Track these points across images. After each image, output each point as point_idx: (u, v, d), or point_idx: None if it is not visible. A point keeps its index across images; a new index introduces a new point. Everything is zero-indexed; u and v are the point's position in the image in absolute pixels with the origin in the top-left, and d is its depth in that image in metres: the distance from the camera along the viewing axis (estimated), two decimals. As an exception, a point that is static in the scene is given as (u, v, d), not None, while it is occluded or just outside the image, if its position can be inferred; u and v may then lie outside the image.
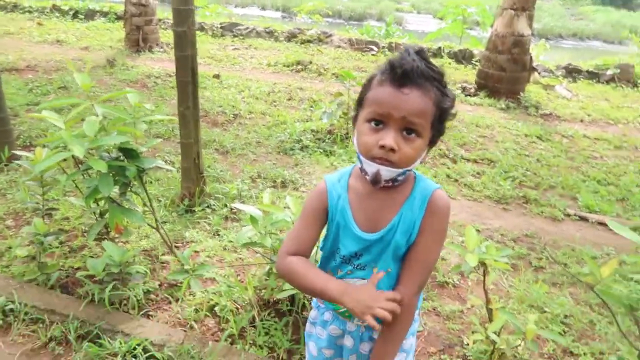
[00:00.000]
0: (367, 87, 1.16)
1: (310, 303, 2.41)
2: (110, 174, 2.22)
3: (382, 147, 1.09)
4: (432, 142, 1.18)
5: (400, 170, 1.13)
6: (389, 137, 1.08)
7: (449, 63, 9.29)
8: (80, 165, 2.45)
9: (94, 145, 2.16)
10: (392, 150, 1.08)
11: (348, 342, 1.33)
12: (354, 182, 1.26)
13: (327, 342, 1.38)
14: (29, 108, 5.21)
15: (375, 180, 1.14)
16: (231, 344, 2.26)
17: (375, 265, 1.23)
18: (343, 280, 1.26)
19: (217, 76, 7.16)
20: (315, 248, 1.32)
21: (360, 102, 1.18)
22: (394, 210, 1.21)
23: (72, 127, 2.28)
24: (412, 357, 1.41)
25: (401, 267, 1.22)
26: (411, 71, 1.07)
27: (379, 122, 1.11)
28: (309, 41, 10.57)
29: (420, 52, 1.10)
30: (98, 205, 2.62)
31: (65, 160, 2.79)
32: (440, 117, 1.14)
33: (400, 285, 1.22)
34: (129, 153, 2.33)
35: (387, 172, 1.12)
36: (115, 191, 2.37)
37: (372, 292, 1.13)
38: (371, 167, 1.13)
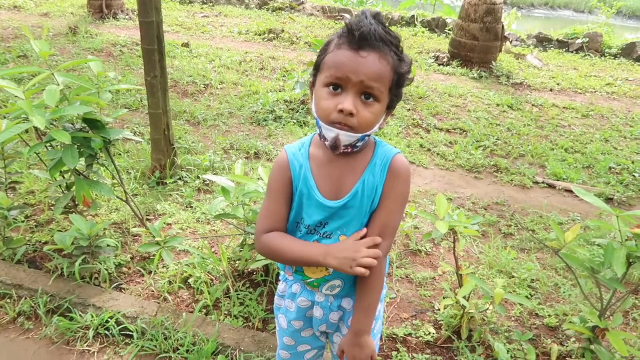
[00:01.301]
0: (324, 51, 1.14)
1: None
2: (75, 146, 2.14)
3: (341, 111, 1.08)
4: (390, 108, 1.18)
5: (359, 136, 1.13)
6: (348, 101, 1.07)
7: (423, 32, 9.24)
8: (43, 137, 2.35)
9: (56, 116, 2.07)
10: (351, 114, 1.08)
11: (317, 312, 1.33)
12: (314, 150, 1.25)
13: (296, 314, 1.38)
14: (-13, 78, 4.96)
15: (335, 145, 1.13)
16: (206, 315, 2.26)
17: (342, 232, 1.23)
18: None
19: (186, 45, 6.94)
20: None
21: (317, 67, 1.15)
22: (355, 176, 1.21)
23: (33, 98, 2.18)
24: (381, 324, 1.44)
25: (367, 234, 1.23)
26: (369, 34, 1.05)
27: (338, 86, 1.09)
28: (280, 9, 10.34)
29: (377, 16, 1.08)
30: (64, 178, 2.54)
31: (27, 132, 2.69)
32: (398, 82, 1.14)
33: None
34: (94, 124, 2.25)
35: (346, 137, 1.12)
36: (81, 164, 2.30)
37: (352, 245, 1.16)
38: (330, 132, 1.12)
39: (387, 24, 1.11)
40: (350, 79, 1.07)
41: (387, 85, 1.11)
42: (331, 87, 1.10)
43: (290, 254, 1.21)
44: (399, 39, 1.12)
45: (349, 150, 1.17)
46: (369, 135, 1.16)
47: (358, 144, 1.16)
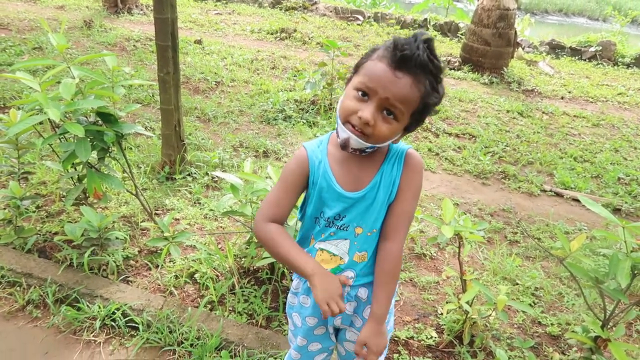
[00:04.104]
0: (368, 56, 1.18)
1: (290, 272, 2.44)
2: (88, 139, 2.17)
3: (360, 118, 1.13)
4: (407, 129, 1.22)
5: (369, 145, 1.18)
6: (368, 111, 1.12)
7: (435, 35, 9.23)
8: (56, 129, 2.39)
9: (70, 109, 2.11)
10: (368, 124, 1.12)
11: None
12: (332, 147, 1.30)
13: (311, 310, 1.40)
14: (2, 69, 5.03)
15: (344, 145, 1.20)
16: (210, 310, 2.29)
17: (358, 224, 1.27)
18: (327, 242, 1.31)
19: (199, 42, 6.99)
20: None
21: (357, 67, 1.20)
22: (373, 170, 1.27)
23: (48, 90, 2.21)
24: (392, 318, 1.48)
25: (385, 224, 1.28)
26: (410, 58, 1.08)
27: (365, 93, 1.14)
28: (293, 8, 10.36)
29: (427, 42, 1.11)
30: (76, 170, 2.58)
31: (41, 123, 2.73)
32: (423, 110, 1.17)
33: (388, 240, 1.28)
34: (107, 118, 2.28)
35: (355, 142, 1.17)
36: (93, 156, 2.33)
37: (337, 285, 1.20)
38: (343, 133, 1.18)
39: (432, 49, 1.12)
40: (377, 91, 1.11)
41: (411, 109, 1.15)
42: (360, 93, 1.14)
43: (284, 253, 1.24)
44: (441, 70, 1.14)
45: (357, 153, 1.23)
46: (378, 147, 1.21)
47: (367, 150, 1.22)
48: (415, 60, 1.08)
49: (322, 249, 1.32)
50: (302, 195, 1.36)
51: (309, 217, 1.32)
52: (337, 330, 1.48)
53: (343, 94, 1.21)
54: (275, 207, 1.29)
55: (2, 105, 4.18)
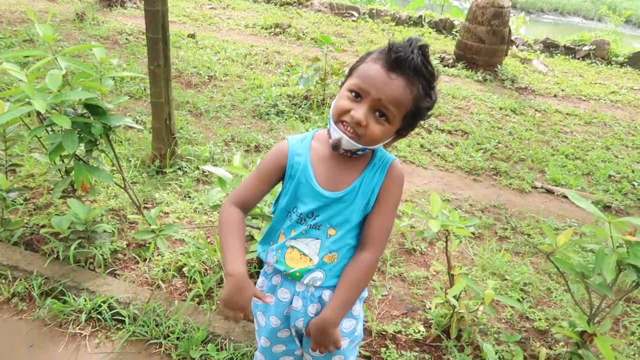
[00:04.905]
0: (362, 59, 1.19)
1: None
2: (75, 131, 2.16)
3: (352, 117, 1.14)
4: (400, 133, 1.23)
5: (360, 147, 1.18)
6: (361, 112, 1.13)
7: (429, 32, 9.22)
8: (44, 121, 2.37)
9: (57, 100, 2.08)
10: (360, 124, 1.13)
11: (297, 304, 1.33)
12: (316, 144, 1.29)
13: (275, 309, 1.37)
14: (-7, 60, 4.97)
15: (336, 145, 1.20)
16: (198, 303, 2.28)
17: (331, 226, 1.26)
18: (298, 240, 1.29)
19: (192, 36, 6.95)
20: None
21: (351, 70, 1.21)
22: (355, 173, 1.26)
23: (36, 81, 2.19)
24: (361, 325, 1.43)
25: (363, 234, 1.28)
26: (404, 60, 1.10)
27: (358, 94, 1.15)
28: (288, 3, 10.33)
29: (422, 48, 1.12)
30: (64, 162, 2.56)
31: (29, 115, 2.70)
32: (415, 113, 1.18)
33: (364, 250, 1.27)
34: (95, 110, 2.26)
35: (347, 143, 1.17)
36: (81, 149, 2.31)
37: (246, 297, 1.17)
38: (336, 133, 1.18)
39: (426, 55, 1.13)
40: (370, 93, 1.12)
41: (403, 112, 1.15)
42: (353, 94, 1.15)
43: (223, 243, 1.23)
44: (434, 76, 1.16)
45: (348, 154, 1.23)
46: (369, 149, 1.21)
47: (358, 152, 1.22)
48: (409, 63, 1.10)
49: (292, 247, 1.30)
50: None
51: (281, 209, 1.31)
52: (301, 336, 1.43)
53: (337, 96, 1.21)
54: (244, 191, 1.30)
55: (-8, 98, 4.14)
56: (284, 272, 1.31)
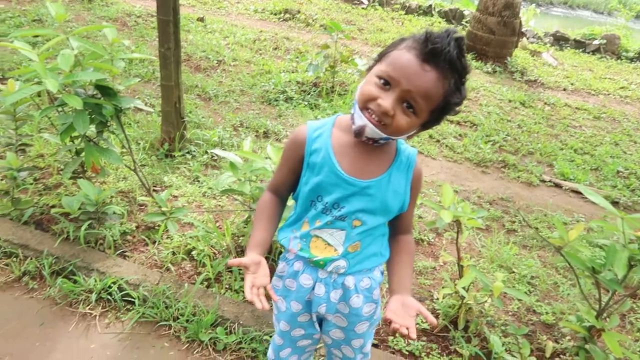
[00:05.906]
0: (395, 45, 1.14)
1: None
2: (86, 112, 2.15)
3: (379, 105, 1.09)
4: (425, 126, 1.19)
5: (384, 136, 1.14)
6: (389, 101, 1.09)
7: (439, 22, 9.13)
8: (55, 101, 2.36)
9: (68, 81, 2.07)
10: (387, 113, 1.09)
11: (319, 290, 1.32)
12: (337, 131, 1.26)
13: (296, 294, 1.36)
14: (1, 40, 4.95)
15: (359, 132, 1.16)
16: (207, 287, 2.29)
17: (357, 218, 1.24)
18: (323, 230, 1.27)
19: (201, 19, 6.90)
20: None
21: (381, 56, 1.16)
22: (381, 166, 1.23)
23: (47, 61, 2.17)
24: (380, 308, 1.43)
25: (399, 223, 1.35)
26: (440, 53, 1.05)
27: (388, 82, 1.10)
28: (298, -11, 10.20)
29: (458, 40, 1.08)
30: (74, 143, 2.55)
31: (39, 95, 2.69)
32: (443, 108, 1.14)
33: (407, 233, 1.38)
34: (105, 91, 2.25)
35: (371, 131, 1.13)
36: (92, 130, 2.31)
37: (264, 277, 1.22)
38: (360, 120, 1.14)
39: (462, 48, 1.09)
40: (400, 82, 1.08)
41: (432, 105, 1.11)
42: (381, 81, 1.11)
43: (254, 222, 1.34)
44: (467, 71, 1.12)
45: (370, 142, 1.19)
46: (392, 139, 1.18)
47: (380, 141, 1.18)
48: (445, 55, 1.05)
49: (317, 236, 1.29)
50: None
51: (304, 198, 1.28)
52: (321, 320, 1.43)
53: (363, 81, 1.17)
54: (275, 179, 1.37)
55: (1, 77, 4.13)
56: (307, 259, 1.31)
